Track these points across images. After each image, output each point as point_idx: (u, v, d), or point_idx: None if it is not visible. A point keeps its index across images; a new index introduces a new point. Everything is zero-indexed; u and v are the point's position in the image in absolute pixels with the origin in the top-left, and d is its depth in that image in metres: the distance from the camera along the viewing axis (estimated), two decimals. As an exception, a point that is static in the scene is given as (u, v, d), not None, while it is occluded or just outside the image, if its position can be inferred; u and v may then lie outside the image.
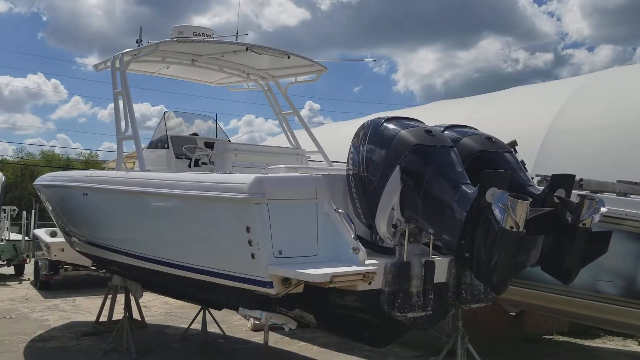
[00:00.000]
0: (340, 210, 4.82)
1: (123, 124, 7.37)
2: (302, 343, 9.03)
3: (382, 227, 4.84)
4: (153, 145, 8.31)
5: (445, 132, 5.34)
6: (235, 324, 10.37)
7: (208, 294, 5.66)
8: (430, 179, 4.49)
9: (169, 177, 6.22)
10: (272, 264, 4.59)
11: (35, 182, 10.19)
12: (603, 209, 4.37)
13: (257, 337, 9.29)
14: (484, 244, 4.09)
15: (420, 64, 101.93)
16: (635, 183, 7.28)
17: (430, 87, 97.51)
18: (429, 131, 4.80)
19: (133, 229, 6.63)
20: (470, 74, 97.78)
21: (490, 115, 12.23)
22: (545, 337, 9.41)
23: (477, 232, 4.13)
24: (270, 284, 4.60)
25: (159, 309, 12.11)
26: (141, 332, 9.59)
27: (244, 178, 4.88)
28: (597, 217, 4.37)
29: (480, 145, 5.09)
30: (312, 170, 5.62)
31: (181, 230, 5.76)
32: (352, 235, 4.67)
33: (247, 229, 4.71)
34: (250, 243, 4.71)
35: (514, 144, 8.69)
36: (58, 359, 8.03)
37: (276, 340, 9.15)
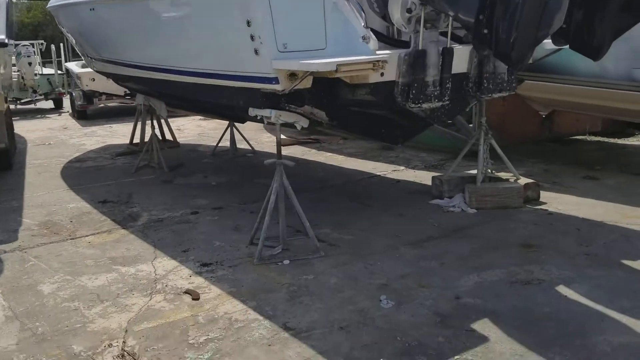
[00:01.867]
0: None
1: None
2: (329, 154, 9.11)
3: (396, 12, 4.46)
4: None
5: None
6: (264, 140, 10.48)
7: (220, 99, 5.54)
8: None
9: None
10: (276, 58, 4.36)
11: (47, 6, 9.86)
12: None
13: (286, 151, 9.38)
14: (504, 15, 3.70)
15: None
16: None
17: None
18: None
19: (141, 40, 6.40)
20: None
21: None
22: (577, 137, 9.19)
23: (497, 3, 3.72)
24: (276, 80, 4.41)
25: (191, 131, 12.32)
26: (174, 150, 9.86)
27: (243, -37, 4.47)
28: None
29: None
30: None
31: (186, 33, 5.50)
32: (362, 24, 4.33)
33: (248, 23, 4.42)
34: (252, 38, 4.45)
35: None
36: (93, 175, 8.34)
37: (303, 153, 9.25)
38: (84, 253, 5.20)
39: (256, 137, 10.41)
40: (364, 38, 4.29)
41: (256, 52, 4.47)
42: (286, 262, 4.75)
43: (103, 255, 5.13)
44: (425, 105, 4.62)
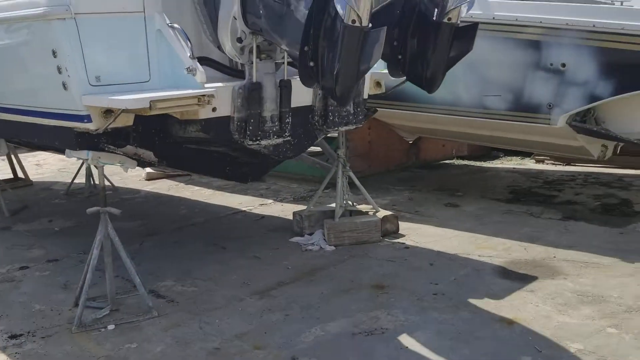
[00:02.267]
0: (174, 25, 4.00)
1: None
2: (197, 188, 8.57)
3: (226, 42, 4.09)
4: None
5: None
6: (129, 175, 9.74)
7: (41, 138, 4.88)
8: None
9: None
10: (87, 93, 3.83)
11: None
12: (468, 0, 3.72)
13: (150, 187, 8.76)
14: (328, 47, 3.42)
15: None
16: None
17: None
18: None
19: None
20: None
21: None
22: (446, 162, 9.30)
23: (321, 34, 3.44)
24: (88, 118, 3.87)
25: (52, 166, 11.24)
26: (23, 190, 8.87)
27: (44, -13, 3.91)
28: (464, 9, 3.74)
29: None
30: None
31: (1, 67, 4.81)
32: (188, 54, 3.91)
33: (54, 53, 3.87)
34: (59, 70, 3.88)
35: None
36: None
37: (169, 187, 8.65)
38: None
39: (119, 170, 9.65)
40: (189, 70, 3.87)
41: (64, 86, 3.91)
42: (111, 327, 4.16)
43: None
44: (264, 142, 4.26)
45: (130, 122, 4.02)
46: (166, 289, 4.78)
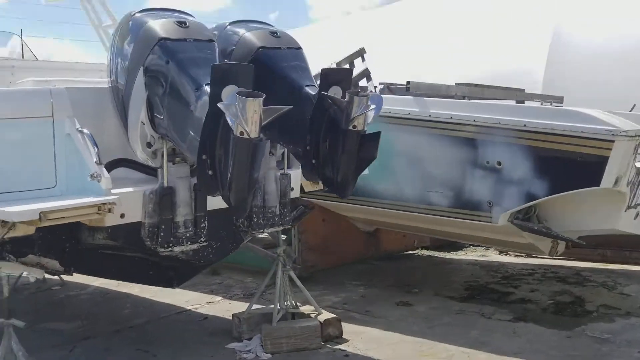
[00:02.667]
0: (83, 130, 3.89)
1: None
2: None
3: (137, 147, 3.97)
4: None
5: (228, 27, 4.49)
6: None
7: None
8: (172, 81, 3.61)
9: None
10: (-17, 201, 3.64)
11: None
12: (373, 107, 3.65)
13: (99, 281, 8.44)
14: (224, 156, 3.30)
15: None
16: (475, 85, 6.73)
17: None
18: (181, 23, 3.87)
19: None
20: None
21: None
22: (409, 252, 9.07)
23: (217, 144, 3.33)
24: (38, 217, 3.65)
25: None
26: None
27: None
28: (370, 116, 3.66)
29: (260, 41, 4.23)
30: (68, 82, 4.63)
31: None
32: (94, 159, 3.77)
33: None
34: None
35: (361, 52, 7.96)
36: None
37: (118, 283, 8.32)
38: None
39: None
40: (92, 176, 3.71)
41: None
42: None
43: None
44: (177, 249, 4.05)
45: (32, 231, 3.80)
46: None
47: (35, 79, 4.69)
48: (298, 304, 5.91)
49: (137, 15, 4.03)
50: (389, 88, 6.96)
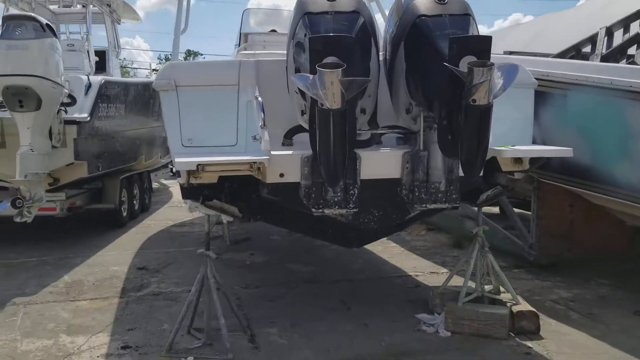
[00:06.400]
0: (258, 98, 4.38)
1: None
2: (392, 244, 8.60)
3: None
4: None
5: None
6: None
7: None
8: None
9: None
10: (178, 152, 4.44)
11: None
12: (501, 79, 3.11)
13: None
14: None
15: None
16: None
17: None
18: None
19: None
20: None
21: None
22: None
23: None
24: (178, 174, 4.47)
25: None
26: (254, 224, 10.14)
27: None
28: (495, 89, 3.14)
29: (422, 9, 3.99)
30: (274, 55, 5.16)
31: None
32: (260, 123, 4.23)
33: (162, 116, 4.62)
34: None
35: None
36: (172, 241, 9.07)
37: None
38: (59, 316, 5.73)
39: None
40: (254, 138, 4.18)
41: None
42: (190, 359, 4.64)
43: (70, 320, 5.59)
44: (327, 211, 4.24)
45: (215, 179, 4.46)
46: (264, 336, 5.06)
47: (246, 52, 5.33)
48: (502, 289, 5.46)
49: None
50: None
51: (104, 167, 9.01)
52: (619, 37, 6.76)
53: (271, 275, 7.02)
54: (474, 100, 3.21)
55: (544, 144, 5.97)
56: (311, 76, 3.07)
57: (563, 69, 5.61)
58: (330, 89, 3.02)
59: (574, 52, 7.10)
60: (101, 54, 12.42)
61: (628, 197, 5.24)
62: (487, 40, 3.40)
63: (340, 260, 7.80)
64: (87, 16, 11.51)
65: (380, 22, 5.48)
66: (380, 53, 4.32)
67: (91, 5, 11.80)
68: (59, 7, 12.33)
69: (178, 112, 4.46)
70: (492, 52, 3.45)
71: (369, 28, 3.86)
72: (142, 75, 40.65)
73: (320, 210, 4.23)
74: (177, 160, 4.06)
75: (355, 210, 4.25)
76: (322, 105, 3.08)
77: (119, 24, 14.01)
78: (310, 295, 6.26)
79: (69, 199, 8.81)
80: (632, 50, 6.45)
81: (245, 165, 4.02)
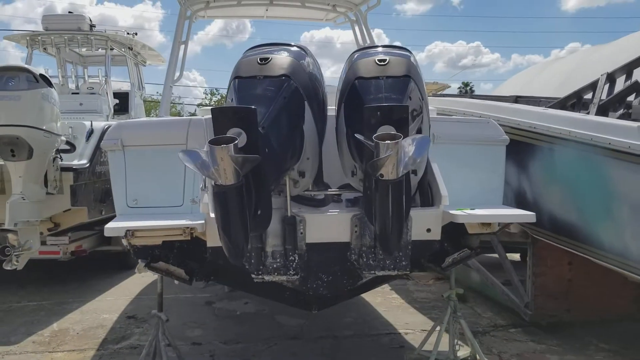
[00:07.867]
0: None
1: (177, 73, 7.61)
2: (394, 295, 8.28)
3: None
4: None
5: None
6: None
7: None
8: None
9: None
10: (122, 213, 4.37)
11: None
12: (411, 153, 2.88)
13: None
14: None
15: None
16: None
17: None
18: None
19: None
20: None
21: None
22: None
23: None
24: (124, 234, 4.39)
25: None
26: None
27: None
28: (404, 164, 2.91)
29: (360, 71, 3.81)
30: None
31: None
32: (200, 185, 4.12)
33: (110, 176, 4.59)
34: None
35: None
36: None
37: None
38: (30, 369, 5.70)
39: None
40: (193, 201, 4.07)
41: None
42: None
43: (37, 375, 5.55)
44: (267, 277, 4.05)
45: (159, 242, 4.36)
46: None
47: (207, 108, 5.26)
48: (477, 356, 5.10)
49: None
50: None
51: (108, 211, 9.09)
52: (620, 84, 6.36)
53: (255, 330, 6.83)
54: (382, 175, 2.99)
55: (529, 200, 5.63)
56: (202, 152, 2.94)
57: (546, 121, 5.29)
58: (223, 165, 2.87)
59: (575, 98, 6.73)
60: (124, 95, 12.78)
61: (613, 261, 4.82)
62: (403, 109, 3.17)
63: (333, 311, 7.52)
64: (107, 60, 11.88)
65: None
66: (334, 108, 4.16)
67: (113, 50, 12.20)
68: (86, 49, 12.79)
69: (125, 172, 4.42)
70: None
71: (301, 91, 3.70)
72: (191, 111, 41.75)
73: (260, 276, 4.05)
74: (107, 225, 3.97)
75: (296, 276, 4.05)
76: (214, 181, 2.94)
77: (144, 65, 14.41)
78: (288, 355, 6.03)
79: (74, 243, 8.91)
80: (632, 98, 6.04)
81: (177, 230, 3.89)
